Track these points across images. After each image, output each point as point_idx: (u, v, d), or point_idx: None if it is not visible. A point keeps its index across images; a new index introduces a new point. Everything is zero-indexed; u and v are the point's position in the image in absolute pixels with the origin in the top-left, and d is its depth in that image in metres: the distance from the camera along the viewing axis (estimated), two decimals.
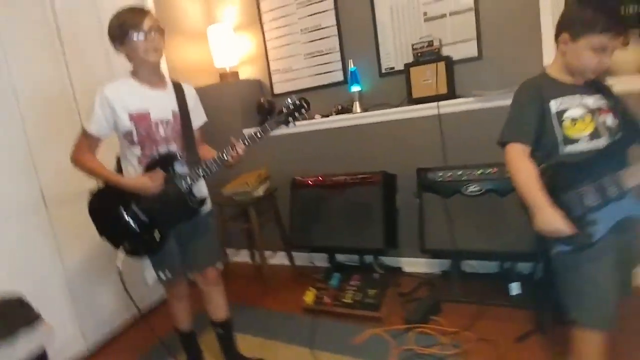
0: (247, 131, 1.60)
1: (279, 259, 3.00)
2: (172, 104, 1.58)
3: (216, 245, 1.81)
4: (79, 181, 2.19)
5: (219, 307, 1.80)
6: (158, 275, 1.63)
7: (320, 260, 2.84)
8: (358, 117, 2.59)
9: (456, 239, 2.11)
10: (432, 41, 2.35)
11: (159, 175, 1.50)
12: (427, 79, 2.35)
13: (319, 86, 2.86)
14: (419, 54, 2.39)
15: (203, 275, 1.74)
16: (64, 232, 2.14)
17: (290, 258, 2.92)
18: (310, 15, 2.79)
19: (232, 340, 1.87)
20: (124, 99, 1.47)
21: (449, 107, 2.31)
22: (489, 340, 1.78)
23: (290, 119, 1.55)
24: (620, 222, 1.17)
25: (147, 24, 1.44)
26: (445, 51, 2.39)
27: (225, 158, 1.52)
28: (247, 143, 1.53)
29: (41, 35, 2.11)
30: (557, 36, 1.26)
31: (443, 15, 2.42)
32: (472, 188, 2.07)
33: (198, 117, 1.71)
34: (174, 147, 1.58)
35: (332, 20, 2.72)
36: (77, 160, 1.53)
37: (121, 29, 1.44)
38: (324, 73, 2.83)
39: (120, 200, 1.52)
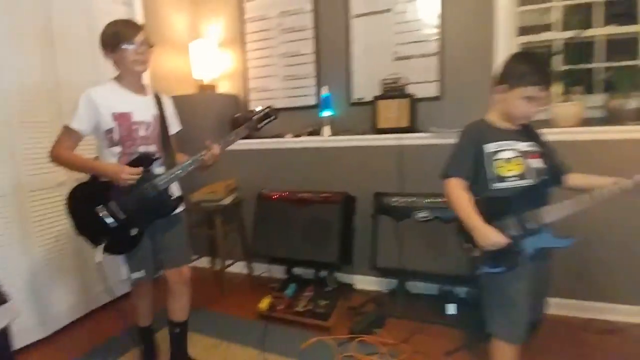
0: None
1: (238, 267, 3.10)
2: (153, 109, 1.71)
3: (188, 244, 1.87)
4: (53, 173, 2.28)
5: (183, 308, 1.84)
6: (131, 275, 1.70)
7: (278, 272, 2.96)
8: (326, 140, 2.78)
9: (404, 259, 2.31)
10: (399, 79, 2.61)
11: (136, 170, 1.56)
12: (392, 112, 2.58)
13: (293, 107, 3.05)
14: (387, 89, 2.63)
15: (179, 272, 1.77)
16: (33, 221, 2.19)
17: (250, 267, 3.03)
18: (292, 41, 3.00)
19: (185, 341, 1.91)
20: (108, 100, 1.58)
21: (409, 139, 2.53)
22: (422, 352, 1.97)
23: (259, 125, 1.73)
24: (538, 252, 1.39)
25: (139, 38, 1.57)
26: (411, 89, 2.64)
27: (202, 157, 1.63)
28: (221, 144, 1.67)
29: (32, 27, 2.19)
30: (495, 86, 1.47)
31: (411, 57, 2.68)
32: (421, 214, 2.29)
33: (173, 125, 1.82)
34: (153, 149, 1.67)
35: (311, 49, 2.94)
36: (56, 155, 1.59)
37: (115, 38, 1.56)
38: (299, 96, 3.03)
39: (98, 197, 1.57)
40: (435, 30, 2.58)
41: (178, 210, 1.75)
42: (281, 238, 2.63)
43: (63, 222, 2.33)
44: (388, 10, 2.69)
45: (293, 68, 3.03)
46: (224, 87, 3.30)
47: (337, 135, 2.77)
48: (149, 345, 1.96)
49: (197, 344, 2.05)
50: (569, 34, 2.31)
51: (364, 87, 2.82)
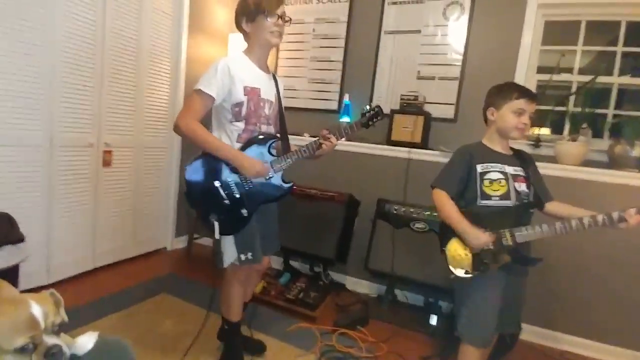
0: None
1: None
2: (274, 89, 1.70)
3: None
4: (85, 134, 2.47)
5: (251, 292, 1.89)
6: (239, 257, 1.60)
7: (276, 263, 3.08)
8: (341, 144, 2.90)
9: (395, 264, 2.42)
10: (417, 96, 2.74)
11: (267, 167, 1.57)
12: (406, 126, 2.71)
13: (314, 109, 3.21)
14: (405, 104, 2.76)
15: (265, 260, 1.76)
16: (58, 175, 2.36)
17: None
18: (323, 47, 3.17)
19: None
20: (242, 72, 1.56)
21: (418, 155, 2.66)
22: (398, 353, 2.07)
23: (370, 122, 1.67)
24: (512, 266, 1.49)
25: (280, 10, 1.56)
26: (427, 107, 2.78)
27: (320, 144, 1.60)
28: (337, 136, 1.63)
29: None
30: (485, 113, 1.64)
31: (433, 77, 2.82)
32: (419, 225, 2.41)
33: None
34: (272, 129, 1.68)
35: (340, 57, 3.10)
36: (185, 125, 1.50)
37: (257, 8, 1.53)
38: (322, 99, 3.19)
39: (217, 173, 1.55)
40: (459, 57, 2.72)
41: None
42: (283, 228, 2.75)
43: (85, 181, 2.53)
44: (418, 31, 2.84)
45: (320, 72, 3.19)
46: None
47: (351, 140, 2.90)
48: (238, 347, 1.81)
49: (191, 315, 2.18)
50: (585, 78, 2.43)
51: (385, 99, 2.96)
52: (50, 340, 0.80)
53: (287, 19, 1.61)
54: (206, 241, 3.33)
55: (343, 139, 1.67)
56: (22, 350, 0.76)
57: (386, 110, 2.84)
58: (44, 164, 2.28)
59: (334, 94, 3.14)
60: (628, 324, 2.19)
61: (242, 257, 1.59)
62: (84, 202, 2.55)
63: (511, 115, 1.54)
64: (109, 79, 2.58)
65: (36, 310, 0.80)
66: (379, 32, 2.96)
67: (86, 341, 0.95)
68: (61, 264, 2.46)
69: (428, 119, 2.70)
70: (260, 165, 1.54)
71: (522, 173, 1.57)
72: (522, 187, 1.55)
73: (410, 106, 2.74)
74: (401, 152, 2.70)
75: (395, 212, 2.52)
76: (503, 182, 1.54)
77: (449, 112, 2.77)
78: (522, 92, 1.54)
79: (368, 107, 1.68)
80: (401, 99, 2.78)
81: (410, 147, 2.66)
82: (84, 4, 2.35)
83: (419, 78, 2.86)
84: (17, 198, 2.15)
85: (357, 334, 2.20)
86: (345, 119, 2.92)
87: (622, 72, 2.44)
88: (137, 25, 2.72)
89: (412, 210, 2.47)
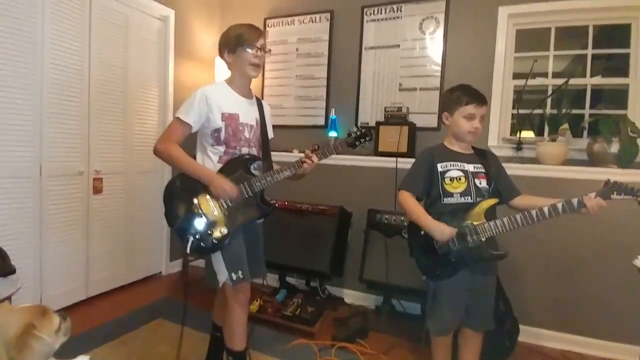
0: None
1: None
2: (256, 113, 1.74)
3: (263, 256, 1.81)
4: (74, 162, 2.49)
5: None
6: (230, 277, 1.56)
7: (271, 280, 3.07)
8: (329, 158, 2.94)
9: (390, 274, 2.43)
10: (401, 107, 2.81)
11: (238, 189, 1.57)
12: (392, 137, 2.77)
13: (302, 126, 3.26)
14: (389, 116, 2.83)
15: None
16: (49, 204, 2.37)
17: None
18: (307, 65, 3.25)
19: (223, 345, 1.76)
20: (220, 100, 1.61)
21: (405, 164, 2.69)
22: None
23: (357, 143, 1.71)
24: (476, 265, 1.55)
25: (260, 42, 1.63)
26: (411, 118, 2.85)
27: (301, 165, 1.62)
28: (319, 156, 1.66)
29: (75, 27, 2.45)
30: (440, 117, 1.71)
31: (414, 89, 2.91)
32: None
33: (270, 131, 1.84)
34: (254, 151, 1.71)
35: (324, 74, 3.18)
36: (163, 148, 1.57)
37: (237, 40, 1.61)
38: (309, 116, 3.25)
39: (196, 191, 1.58)
40: (438, 68, 2.81)
41: (260, 220, 1.74)
42: (277, 244, 2.77)
43: (76, 209, 2.53)
44: (397, 46, 2.94)
45: (306, 89, 3.26)
46: None
47: (339, 154, 2.94)
48: None
49: (187, 337, 2.15)
50: (560, 81, 2.51)
51: (369, 112, 3.03)
52: None
53: (267, 50, 1.68)
54: (201, 262, 3.31)
55: (326, 158, 1.69)
56: None
57: (372, 123, 2.97)
58: (34, 194, 2.29)
59: (320, 110, 3.20)
60: (620, 320, 2.21)
61: (234, 276, 1.56)
62: (75, 231, 2.55)
63: (463, 120, 1.61)
64: (97, 106, 2.62)
65: None
66: (360, 48, 3.05)
67: None
68: (55, 295, 2.43)
69: (413, 128, 2.76)
70: (229, 186, 1.55)
71: (482, 170, 1.64)
72: (482, 183, 1.62)
73: (395, 117, 2.81)
74: (389, 162, 2.75)
75: (386, 221, 2.55)
76: (463, 179, 1.61)
77: (432, 121, 2.84)
78: (471, 96, 1.60)
79: (356, 127, 1.72)
80: (385, 111, 2.85)
81: (397, 157, 2.71)
82: (69, 35, 2.41)
83: (401, 90, 2.94)
84: (7, 229, 2.15)
85: (357, 347, 2.19)
86: (333, 134, 2.98)
87: (595, 73, 2.54)
88: (124, 53, 2.78)
89: (402, 218, 2.50)
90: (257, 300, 2.56)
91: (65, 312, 1.12)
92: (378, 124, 2.84)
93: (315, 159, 1.63)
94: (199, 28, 3.46)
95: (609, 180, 1.44)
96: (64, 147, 2.43)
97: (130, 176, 2.93)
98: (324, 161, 2.91)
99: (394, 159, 2.72)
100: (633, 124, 2.23)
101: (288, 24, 3.32)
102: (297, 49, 3.29)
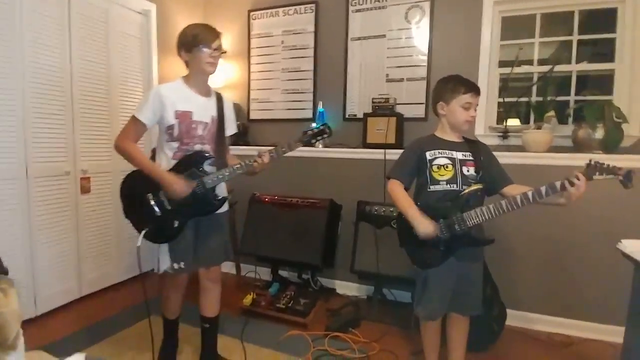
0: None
1: (226, 268, 3.24)
2: (213, 111, 1.79)
3: (227, 245, 1.89)
4: (60, 162, 2.47)
5: (212, 304, 1.89)
6: (172, 266, 1.72)
7: (264, 274, 3.11)
8: (319, 151, 2.97)
9: (380, 264, 2.47)
10: (388, 98, 2.81)
11: (190, 184, 1.65)
12: (380, 128, 2.78)
13: (290, 119, 3.25)
14: (377, 107, 2.83)
15: (208, 272, 1.84)
16: (37, 205, 2.35)
17: (238, 268, 3.17)
18: (293, 57, 3.23)
19: (214, 336, 1.97)
20: (174, 97, 1.68)
21: (394, 155, 2.69)
22: (390, 351, 2.11)
23: (313, 140, 1.80)
24: (463, 252, 1.59)
25: (216, 43, 1.70)
26: (399, 109, 2.85)
27: (251, 163, 1.70)
28: (272, 154, 1.73)
29: (54, 23, 2.41)
30: (435, 107, 1.71)
31: (401, 80, 2.90)
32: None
33: (230, 127, 1.90)
34: (208, 148, 1.76)
35: (310, 66, 3.16)
36: (121, 146, 1.66)
37: (194, 39, 1.67)
38: (296, 109, 3.24)
39: (151, 186, 1.65)
40: (425, 58, 2.81)
41: (222, 210, 1.81)
42: (269, 238, 2.79)
43: (65, 210, 2.51)
44: (383, 36, 2.93)
45: (293, 82, 3.25)
46: (227, 96, 3.49)
47: (329, 147, 2.96)
48: (171, 339, 1.98)
49: (181, 332, 2.17)
50: (545, 68, 2.53)
51: (357, 104, 3.03)
52: None
53: (223, 51, 1.76)
54: None
55: (280, 157, 1.77)
56: None
57: (359, 114, 2.96)
58: (22, 196, 2.27)
59: (308, 103, 3.19)
60: (604, 302, 2.27)
61: (175, 266, 1.72)
62: (66, 231, 2.53)
63: (460, 109, 1.62)
64: (80, 105, 2.59)
65: None
66: (346, 39, 3.03)
67: None
68: (48, 295, 2.43)
69: (400, 119, 2.77)
70: (179, 185, 1.62)
71: (470, 157, 1.65)
72: (470, 170, 1.63)
73: (382, 108, 2.81)
74: (377, 154, 2.76)
75: (375, 212, 2.57)
76: (450, 167, 1.63)
77: (419, 111, 2.85)
78: (469, 86, 1.63)
79: (314, 124, 1.77)
80: (373, 102, 2.85)
81: (386, 148, 2.72)
82: (49, 33, 2.37)
83: (388, 81, 2.94)
84: None
85: (349, 336, 2.23)
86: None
87: (581, 59, 2.55)
88: (105, 49, 2.73)
89: (392, 209, 2.52)
90: (250, 294, 2.59)
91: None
92: (366, 115, 2.84)
93: (266, 158, 1.72)
94: (181, 22, 3.39)
95: (590, 160, 1.43)
96: (49, 147, 2.40)
97: (118, 175, 2.89)
98: (313, 154, 2.98)
99: (382, 150, 2.73)
100: (618, 109, 2.25)
101: (272, 16, 3.28)
102: (282, 42, 3.26)
